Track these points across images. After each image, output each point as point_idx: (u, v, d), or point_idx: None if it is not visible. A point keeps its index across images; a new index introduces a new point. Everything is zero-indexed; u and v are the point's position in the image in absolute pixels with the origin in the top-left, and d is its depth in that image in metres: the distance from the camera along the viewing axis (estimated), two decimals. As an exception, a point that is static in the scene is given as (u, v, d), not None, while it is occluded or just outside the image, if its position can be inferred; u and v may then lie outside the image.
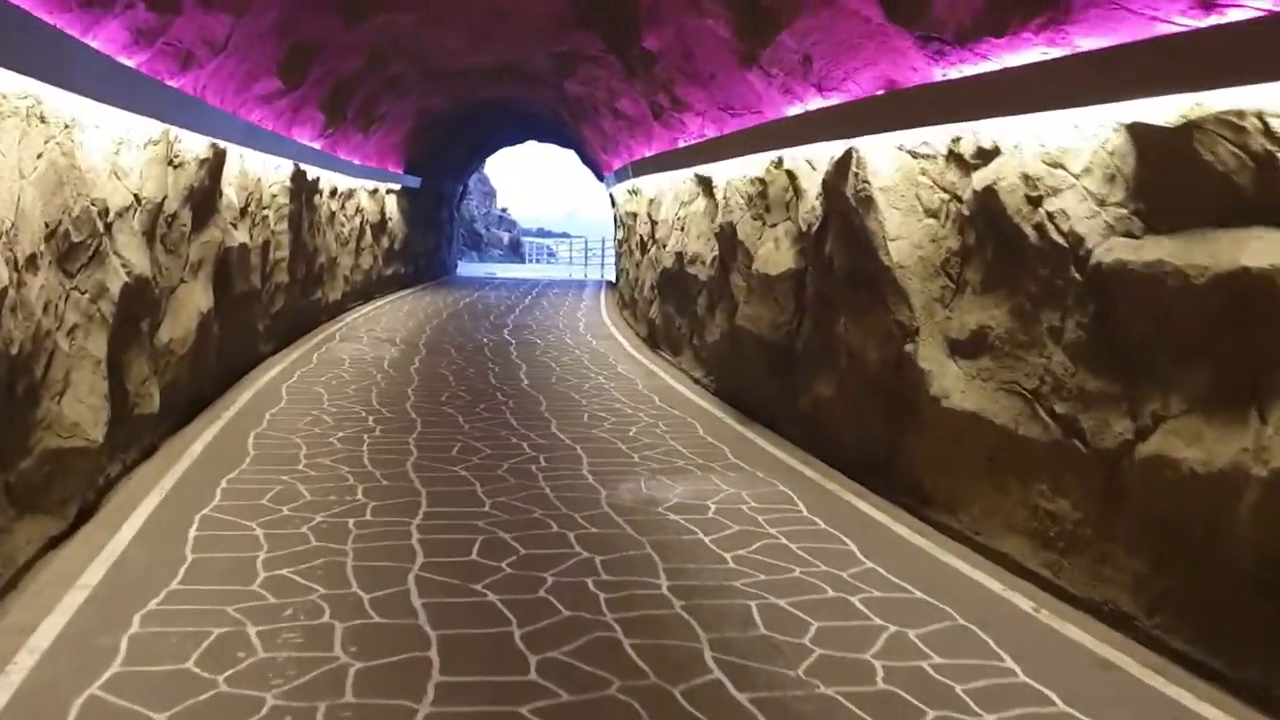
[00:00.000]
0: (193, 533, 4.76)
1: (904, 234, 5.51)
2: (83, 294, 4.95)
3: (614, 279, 25.31)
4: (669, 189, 11.07)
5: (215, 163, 7.33)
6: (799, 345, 6.81)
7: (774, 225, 7.36)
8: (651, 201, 12.12)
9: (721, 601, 4.19)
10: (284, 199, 10.13)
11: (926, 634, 3.92)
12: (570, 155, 23.09)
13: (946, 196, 5.27)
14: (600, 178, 21.91)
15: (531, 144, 25.12)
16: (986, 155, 4.81)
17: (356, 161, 14.34)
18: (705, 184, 9.27)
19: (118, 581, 4.18)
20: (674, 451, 6.61)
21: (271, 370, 9.18)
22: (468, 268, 27.03)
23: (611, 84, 10.78)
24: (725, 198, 8.30)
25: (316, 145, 11.66)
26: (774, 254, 7.10)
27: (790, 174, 6.94)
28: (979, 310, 4.98)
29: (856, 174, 5.81)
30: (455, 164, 23.01)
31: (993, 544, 4.83)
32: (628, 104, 10.85)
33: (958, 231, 5.18)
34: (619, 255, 17.89)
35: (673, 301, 10.70)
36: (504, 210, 55.40)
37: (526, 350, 11.22)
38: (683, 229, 10.34)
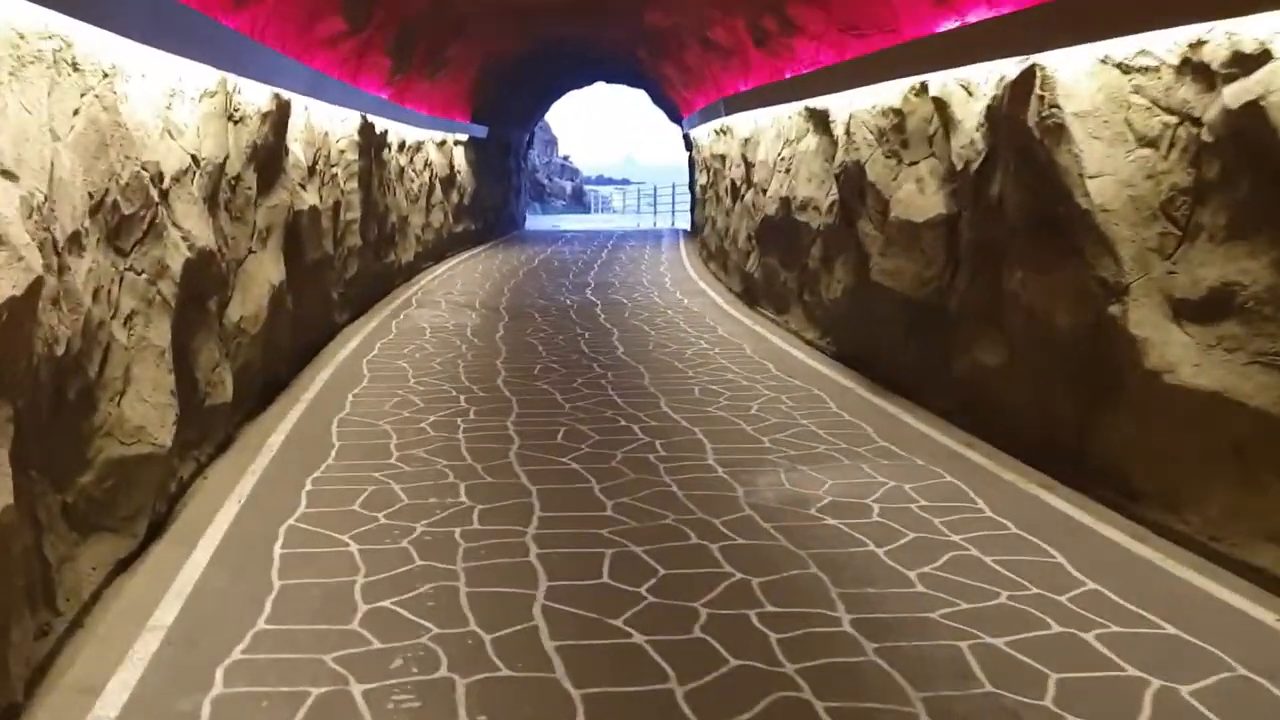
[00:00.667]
0: (278, 550, 4.09)
1: (1108, 169, 4.46)
2: (139, 274, 4.25)
3: (688, 227, 24.42)
4: (769, 127, 10.01)
5: (280, 116, 6.58)
6: (951, 303, 5.83)
7: (913, 164, 6.32)
8: (747, 141, 11.07)
9: (924, 643, 3.35)
10: (352, 155, 9.40)
11: (1203, 691, 3.03)
12: (628, 98, 22.16)
13: (1173, 120, 4.20)
14: (676, 120, 20.77)
15: (596, 87, 24.06)
16: (1248, 63, 3.73)
17: (423, 112, 13.54)
18: (819, 119, 8.22)
19: (196, 621, 3.52)
20: (808, 433, 5.74)
21: (349, 343, 8.54)
22: (533, 220, 26.24)
23: (704, 10, 9.70)
24: (848, 134, 7.27)
25: (383, 95, 10.87)
26: (916, 197, 6.08)
27: (939, 102, 5.88)
28: (1222, 262, 3.95)
29: (1042, 97, 4.75)
30: (522, 111, 22.09)
31: (1243, 555, 3.87)
32: (722, 33, 9.77)
33: (1189, 164, 4.12)
34: (699, 202, 16.86)
35: (776, 253, 9.72)
36: (566, 158, 54.37)
37: (614, 312, 10.40)
38: (788, 171, 9.31)
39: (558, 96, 24.27)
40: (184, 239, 4.73)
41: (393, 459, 5.26)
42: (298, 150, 7.35)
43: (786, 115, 9.30)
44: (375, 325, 9.48)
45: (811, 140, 8.56)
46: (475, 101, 17.03)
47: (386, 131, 11.21)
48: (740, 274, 11.41)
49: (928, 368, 6.21)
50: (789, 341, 8.63)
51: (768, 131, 10.13)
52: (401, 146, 12.62)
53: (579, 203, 47.51)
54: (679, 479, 4.97)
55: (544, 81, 20.56)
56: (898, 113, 6.45)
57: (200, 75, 5.15)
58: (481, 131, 17.98)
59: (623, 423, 5.98)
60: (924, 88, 6.13)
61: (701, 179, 16.04)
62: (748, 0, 8.23)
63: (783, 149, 9.55)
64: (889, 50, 6.41)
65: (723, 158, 13.15)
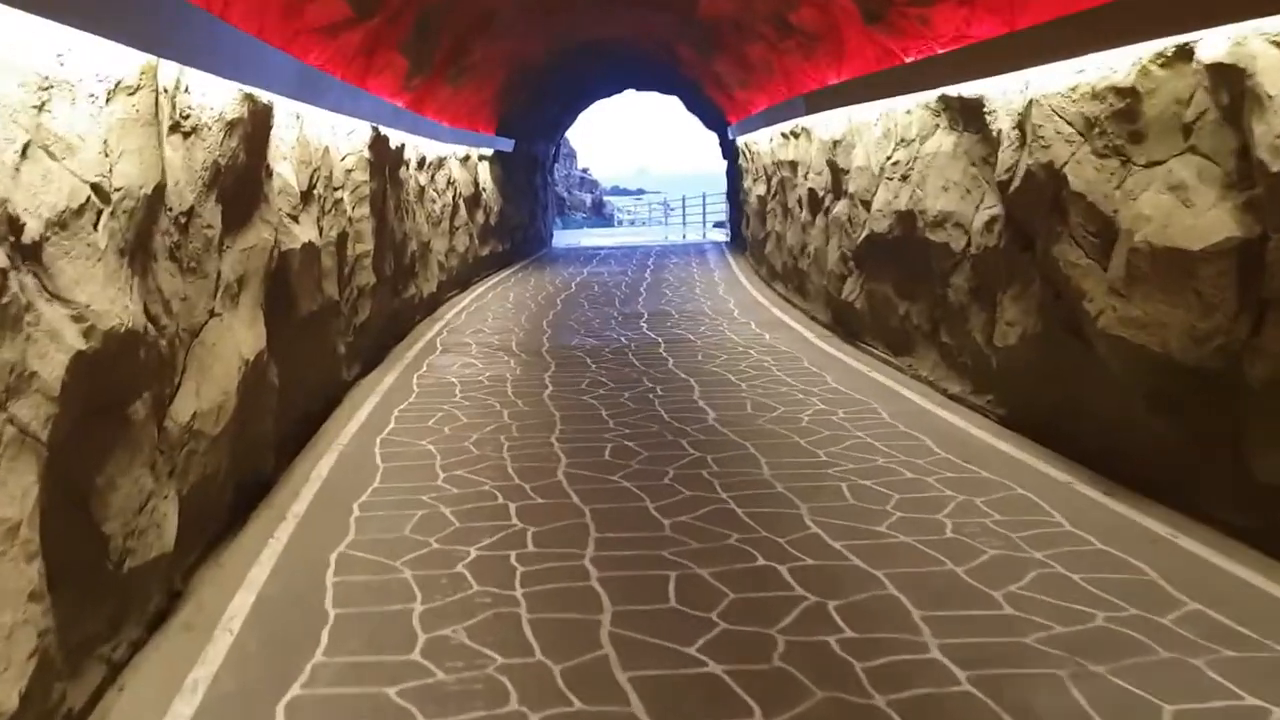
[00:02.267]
0: None
1: None
2: (-29, 396, 2.42)
3: (725, 239, 22.52)
4: (873, 125, 8.10)
5: (256, 125, 4.76)
6: (1254, 372, 3.88)
7: (1154, 165, 4.38)
8: (836, 144, 9.15)
9: None
10: (362, 174, 7.59)
11: None
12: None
13: None
14: (716, 126, 18.88)
15: (619, 96, 22.22)
16: None
17: (445, 124, 11.76)
18: (965, 111, 6.30)
19: None
20: (1057, 584, 3.72)
21: (360, 410, 6.70)
22: (556, 235, 24.43)
23: (788, -16, 7.83)
24: (1021, 128, 5.35)
25: (398, 102, 9.08)
26: (1180, 214, 4.14)
27: (1223, 72, 3.94)
28: None
29: None
30: (548, 122, 20.32)
31: None
32: (812, 13, 7.88)
33: None
34: (754, 215, 14.98)
35: (888, 279, 7.80)
36: (585, 171, 52.96)
37: (684, 353, 8.50)
38: (904, 179, 7.39)
39: (585, 106, 22.46)
40: (74, 318, 2.90)
41: (418, 648, 3.36)
42: (286, 171, 5.53)
43: (903, 110, 7.38)
44: (392, 381, 7.63)
45: (946, 139, 6.64)
46: (501, 111, 15.26)
47: (403, 147, 9.42)
48: (828, 300, 9.48)
49: (1196, 461, 4.26)
50: (928, 397, 6.67)
51: (869, 131, 8.21)
52: (421, 164, 10.83)
53: (599, 214, 45.89)
54: (901, 706, 3.04)
55: (573, 89, 18.78)
56: (1126, 93, 4.51)
57: (111, 59, 3.32)
58: (507, 145, 16.20)
59: (761, 561, 4.04)
60: (1182, 52, 4.20)
61: (757, 189, 14.14)
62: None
63: (895, 151, 7.63)
64: (1107, 7, 4.48)
65: (793, 165, 11.24)
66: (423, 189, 10.98)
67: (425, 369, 8.13)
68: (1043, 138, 5.11)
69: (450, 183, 12.58)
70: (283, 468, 5.42)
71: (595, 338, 9.49)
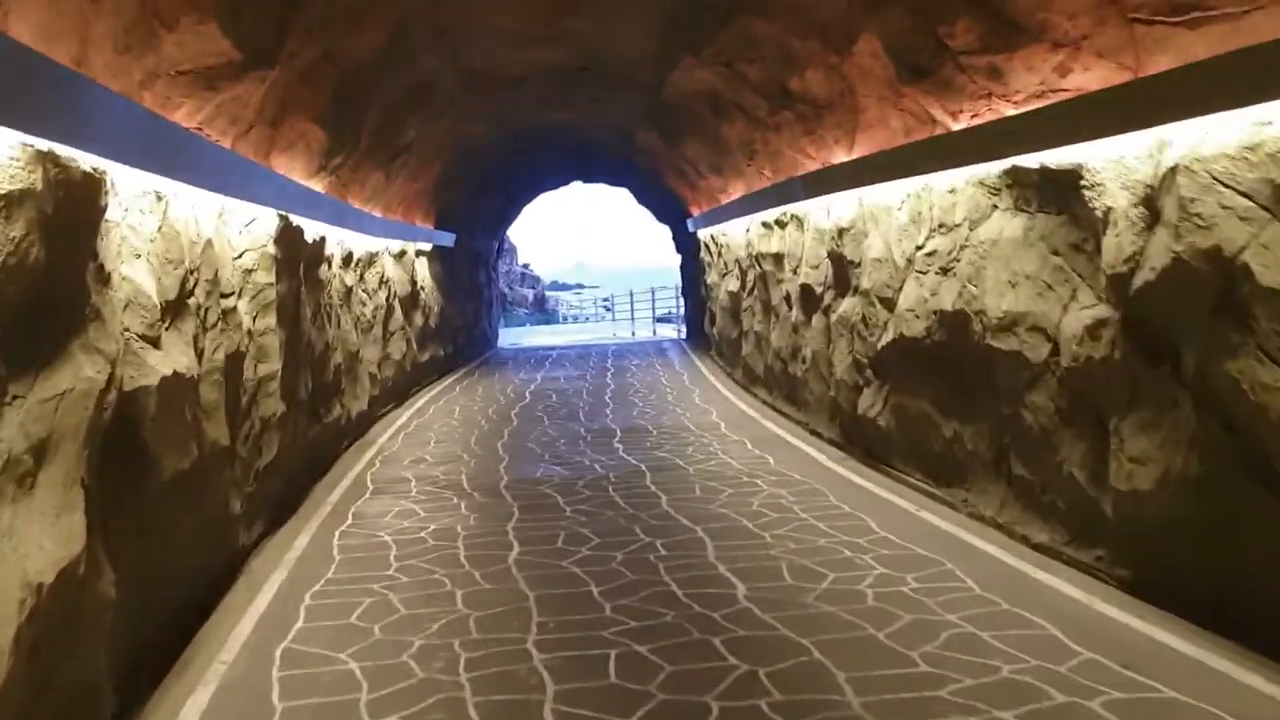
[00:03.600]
0: None
1: None
2: None
3: (679, 335, 21.22)
4: (897, 208, 6.80)
5: (68, 204, 3.13)
6: None
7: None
8: (842, 233, 7.83)
9: None
10: (266, 275, 5.95)
11: None
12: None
13: None
14: (672, 218, 17.75)
15: (562, 188, 21.14)
16: None
17: (377, 213, 10.25)
18: (1043, 186, 4.99)
19: None
20: None
21: (257, 600, 4.86)
22: (503, 335, 22.87)
23: (788, 45, 6.60)
24: (1177, 202, 3.98)
25: (316, 185, 7.53)
26: None
27: None
28: None
29: None
30: (492, 215, 18.98)
31: None
32: (819, 76, 6.64)
33: None
34: (718, 312, 13.69)
35: (927, 392, 6.38)
36: (526, 266, 52.02)
37: (678, 488, 6.88)
38: (944, 271, 6.06)
39: (531, 199, 21.22)
40: None
41: None
42: (138, 275, 3.87)
43: (943, 188, 6.10)
44: (306, 545, 5.82)
45: (1011, 223, 5.32)
46: (441, 202, 13.84)
47: (323, 240, 7.82)
48: (834, 413, 8.03)
49: None
50: (1009, 549, 5.14)
51: (889, 216, 6.92)
52: (348, 260, 9.24)
53: (542, 310, 44.66)
54: None
55: (519, 178, 17.51)
56: (1347, 148, 3.20)
57: None
58: (448, 239, 14.74)
59: None
60: None
61: (727, 284, 12.85)
62: (902, 5, 5.08)
63: (929, 239, 6.32)
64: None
65: (778, 257, 9.95)
66: (350, 290, 9.36)
67: (351, 521, 6.35)
68: (1199, 215, 3.76)
69: (384, 282, 10.97)
70: (143, 698, 3.61)
71: (564, 465, 7.83)
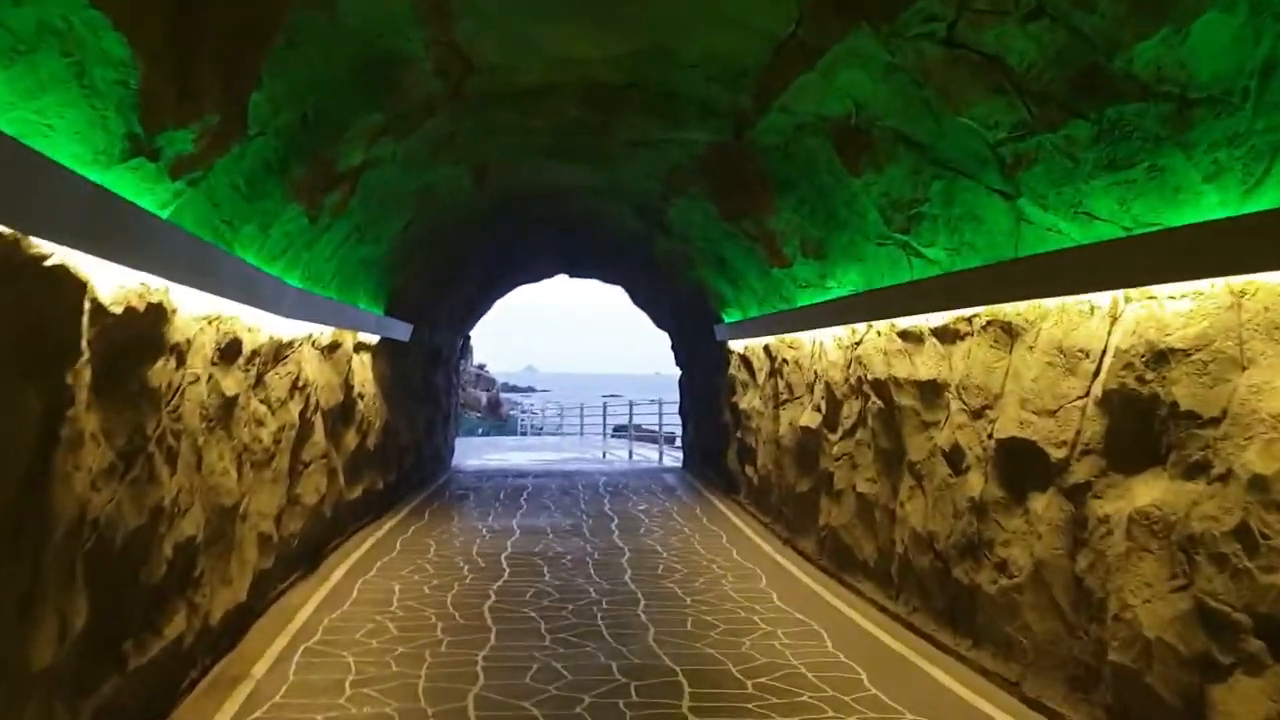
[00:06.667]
0: None
1: None
2: None
3: (677, 461, 17.58)
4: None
5: None
6: None
7: None
8: (1161, 361, 4.24)
9: None
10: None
11: None
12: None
13: None
14: (695, 322, 14.21)
15: (552, 282, 17.72)
16: None
17: (292, 285, 6.52)
18: None
19: None
20: None
21: None
22: (458, 447, 18.90)
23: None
24: None
25: (160, 212, 3.74)
26: None
27: None
28: None
29: None
30: (460, 306, 15.27)
31: None
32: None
33: None
34: (756, 447, 10.06)
35: None
36: (482, 366, 48.15)
37: None
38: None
39: (506, 290, 17.56)
40: None
41: None
42: None
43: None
44: None
45: None
46: (397, 276, 10.11)
47: (161, 307, 4.00)
48: (1097, 688, 4.24)
49: None
50: None
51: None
52: (231, 352, 5.38)
53: (495, 415, 40.43)
54: None
55: (499, 258, 13.86)
56: None
57: None
58: (404, 331, 10.95)
59: None
60: None
61: (792, 415, 9.21)
62: None
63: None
64: None
65: (926, 387, 6.34)
66: (232, 402, 5.47)
67: None
68: None
69: (299, 388, 7.08)
70: None
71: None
